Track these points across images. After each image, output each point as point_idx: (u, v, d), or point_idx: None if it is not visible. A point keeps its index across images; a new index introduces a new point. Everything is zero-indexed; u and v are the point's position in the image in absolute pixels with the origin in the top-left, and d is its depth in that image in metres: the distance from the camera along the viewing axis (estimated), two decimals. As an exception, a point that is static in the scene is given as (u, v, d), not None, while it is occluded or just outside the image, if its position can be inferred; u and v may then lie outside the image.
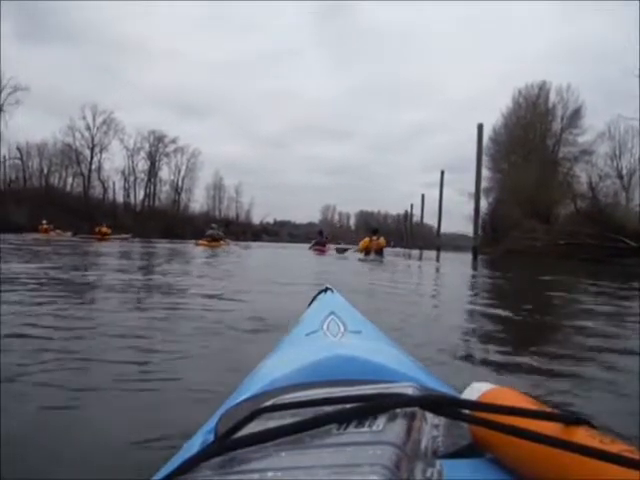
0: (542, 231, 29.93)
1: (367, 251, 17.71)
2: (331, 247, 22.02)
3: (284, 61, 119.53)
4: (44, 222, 29.59)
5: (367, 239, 18.16)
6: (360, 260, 15.34)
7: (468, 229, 51.92)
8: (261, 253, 19.12)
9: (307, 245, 25.13)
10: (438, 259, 22.19)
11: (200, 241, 21.18)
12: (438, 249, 35.35)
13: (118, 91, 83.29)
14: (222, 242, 21.73)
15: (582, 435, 0.40)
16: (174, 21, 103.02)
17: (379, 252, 17.57)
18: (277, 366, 0.82)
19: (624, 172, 33.58)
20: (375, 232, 18.35)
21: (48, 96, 61.03)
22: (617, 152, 33.95)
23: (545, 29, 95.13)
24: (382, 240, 18.00)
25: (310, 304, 1.53)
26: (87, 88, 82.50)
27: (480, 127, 24.02)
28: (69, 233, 28.82)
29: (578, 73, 74.77)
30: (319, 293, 1.58)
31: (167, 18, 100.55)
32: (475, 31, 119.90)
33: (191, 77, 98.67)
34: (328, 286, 1.62)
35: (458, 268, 14.42)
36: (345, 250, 18.46)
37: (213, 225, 23.38)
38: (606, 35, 69.69)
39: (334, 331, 1.00)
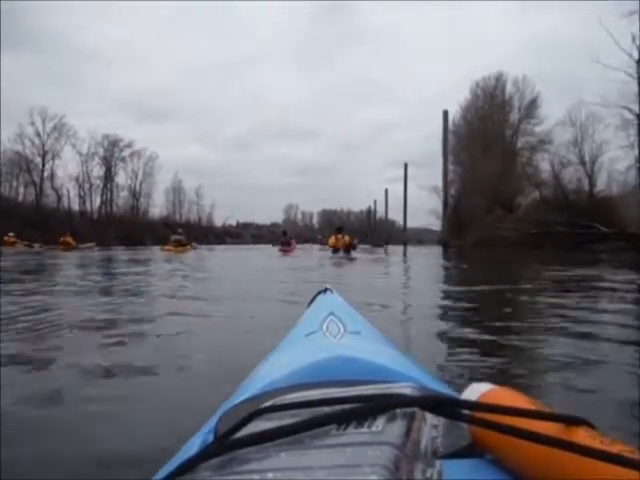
0: (511, 221, 29.87)
1: (335, 249, 17.87)
2: (296, 247, 22.60)
3: (248, 64, 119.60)
4: (11, 234, 28.02)
5: (333, 237, 18.35)
6: (330, 257, 15.69)
7: (431, 223, 52.37)
8: (229, 256, 18.94)
9: (271, 247, 25.84)
10: (405, 254, 22.43)
11: (166, 247, 21.16)
12: (405, 244, 35.11)
13: (73, 97, 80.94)
14: (188, 247, 21.90)
15: (582, 435, 0.40)
16: (135, 24, 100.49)
17: (347, 250, 17.71)
18: (277, 366, 0.81)
19: (587, 159, 33.58)
20: (340, 230, 18.55)
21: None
22: (579, 139, 33.93)
23: (506, 27, 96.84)
24: (347, 238, 18.17)
25: (309, 304, 1.51)
26: (40, 94, 79.55)
27: (445, 113, 23.87)
28: (37, 245, 27.60)
29: (537, 67, 75.78)
30: (318, 293, 1.56)
31: (128, 22, 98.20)
32: (438, 30, 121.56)
33: (150, 81, 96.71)
34: (327, 286, 1.60)
35: (433, 262, 14.12)
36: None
37: (179, 230, 23.50)
38: (561, 29, 71.30)
39: (333, 331, 0.99)
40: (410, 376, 0.70)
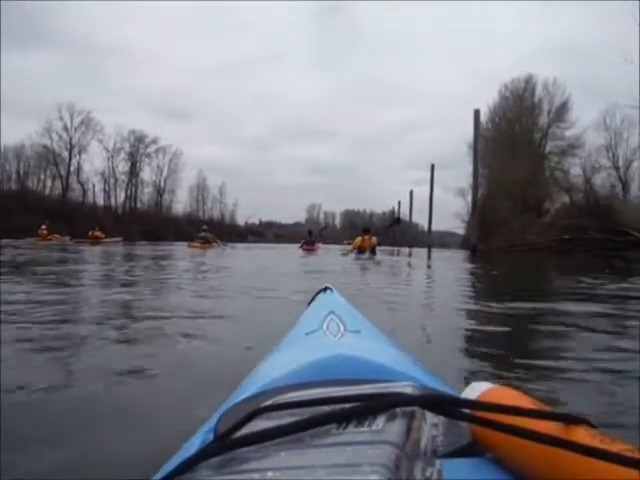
0: (539, 226, 29.10)
1: (360, 250, 17.83)
2: (320, 246, 22.33)
3: (267, 64, 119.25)
4: (43, 227, 28.36)
5: (359, 238, 18.37)
6: (355, 259, 15.60)
7: (454, 226, 51.58)
8: (256, 255, 18.80)
9: (294, 245, 25.46)
10: (430, 257, 22.03)
11: (193, 243, 21.61)
12: (429, 247, 34.47)
13: (100, 93, 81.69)
14: (214, 243, 22.32)
15: (582, 434, 0.40)
16: (158, 24, 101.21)
17: (372, 251, 17.74)
18: (277, 366, 0.81)
19: (620, 163, 32.59)
20: (367, 231, 18.68)
21: (27, 99, 59.03)
22: (613, 142, 32.98)
23: (529, 29, 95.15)
24: (374, 239, 18.25)
25: (309, 303, 1.51)
26: (68, 90, 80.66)
27: (477, 112, 23.21)
28: (67, 237, 28.14)
29: (562, 70, 74.37)
30: (318, 292, 1.55)
31: (151, 21, 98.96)
32: (461, 31, 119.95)
33: (174, 80, 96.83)
34: (327, 285, 1.59)
35: (459, 268, 13.46)
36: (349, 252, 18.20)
37: (205, 227, 23.86)
38: (588, 32, 69.63)
39: (334, 330, 0.99)
40: (410, 375, 0.70)
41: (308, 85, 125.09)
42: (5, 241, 20.69)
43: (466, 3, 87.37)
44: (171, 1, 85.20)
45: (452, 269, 12.11)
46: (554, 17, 77.87)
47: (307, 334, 1.03)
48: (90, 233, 27.48)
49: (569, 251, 22.67)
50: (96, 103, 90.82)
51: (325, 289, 1.59)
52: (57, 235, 27.87)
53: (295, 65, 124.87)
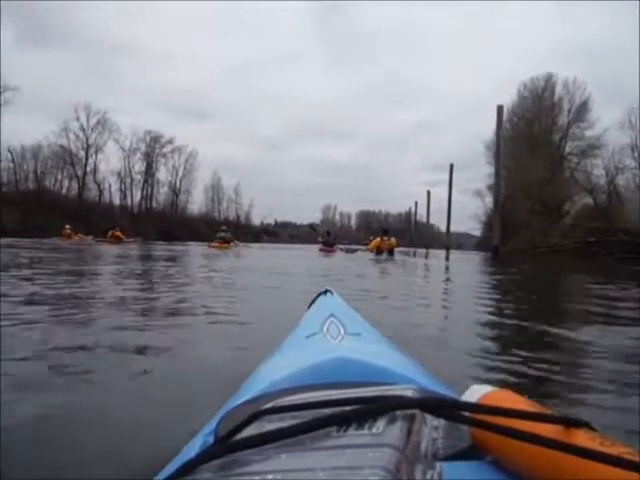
0: (560, 227, 28.32)
1: (379, 251, 18.02)
2: (339, 247, 22.29)
3: (282, 63, 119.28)
4: (67, 227, 29.03)
5: (378, 239, 18.60)
6: (372, 260, 15.39)
7: (471, 227, 50.83)
8: (278, 255, 18.59)
9: (310, 246, 25.67)
10: (448, 258, 21.54)
11: (212, 243, 22.44)
12: (447, 248, 33.77)
13: (115, 93, 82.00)
14: (232, 244, 23.09)
15: (582, 437, 0.40)
16: (173, 24, 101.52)
17: (390, 252, 17.90)
18: (277, 368, 0.81)
19: None
20: (386, 232, 18.84)
21: (45, 99, 59.29)
22: (638, 142, 31.80)
23: (545, 29, 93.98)
24: (393, 240, 18.40)
25: (310, 306, 1.49)
26: (85, 91, 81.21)
27: (500, 108, 22.64)
28: (90, 237, 28.58)
29: (579, 71, 73.17)
30: (319, 295, 1.54)
31: (165, 20, 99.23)
32: (477, 31, 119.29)
33: (189, 80, 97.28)
34: (328, 288, 1.59)
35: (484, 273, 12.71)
36: (355, 251, 18.54)
37: (223, 227, 24.72)
38: (605, 33, 68.56)
39: (334, 333, 0.99)
40: (411, 378, 0.69)
41: (323, 85, 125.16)
42: (27, 240, 21.11)
43: (482, 3, 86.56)
44: (187, 0, 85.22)
45: (472, 273, 11.39)
46: (570, 18, 76.90)
47: (307, 337, 1.02)
48: (110, 233, 27.88)
49: (594, 254, 21.95)
50: (111, 103, 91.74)
51: (325, 292, 1.56)
52: (81, 235, 28.41)
53: (310, 65, 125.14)
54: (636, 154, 31.56)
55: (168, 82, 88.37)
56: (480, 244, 48.88)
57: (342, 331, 1.02)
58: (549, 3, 73.04)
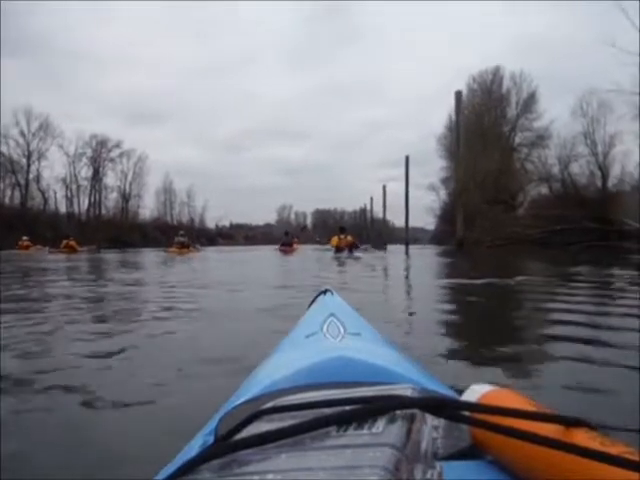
0: (523, 217, 28.08)
1: (338, 248, 18.09)
2: (298, 247, 22.67)
3: (238, 65, 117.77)
4: (25, 238, 28.42)
5: (336, 237, 18.67)
6: (333, 257, 15.70)
7: (426, 222, 50.66)
8: (234, 258, 18.79)
9: (267, 247, 27.27)
10: (408, 253, 21.94)
11: (170, 248, 22.09)
12: (407, 243, 33.27)
13: (64, 101, 78.94)
14: (191, 248, 22.94)
15: (582, 437, 0.40)
16: (126, 28, 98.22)
17: (350, 249, 18.03)
18: (277, 368, 0.81)
19: (599, 150, 31.55)
20: (343, 230, 19.06)
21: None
22: (590, 129, 31.92)
23: (492, 27, 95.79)
24: (350, 238, 18.59)
25: (309, 306, 1.49)
26: (30, 98, 76.94)
27: (459, 94, 22.24)
28: (47, 248, 27.53)
29: (528, 66, 74.40)
30: (318, 295, 1.53)
31: (116, 23, 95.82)
32: (428, 30, 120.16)
33: (140, 84, 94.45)
34: (328, 288, 1.57)
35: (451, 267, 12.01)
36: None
37: (181, 232, 24.58)
38: (550, 29, 70.10)
39: (334, 333, 0.98)
40: (410, 377, 0.70)
41: (278, 86, 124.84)
42: None
43: (432, 3, 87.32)
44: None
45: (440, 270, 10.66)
46: (516, 14, 78.39)
47: (307, 336, 1.01)
48: (65, 243, 26.74)
49: (561, 243, 21.60)
50: (57, 108, 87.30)
51: (325, 291, 1.53)
52: (38, 246, 27.69)
53: (265, 66, 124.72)
54: (589, 141, 31.71)
55: (120, 87, 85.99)
56: (435, 238, 48.91)
57: (342, 331, 1.00)
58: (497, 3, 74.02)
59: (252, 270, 10.30)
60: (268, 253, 20.25)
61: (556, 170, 32.79)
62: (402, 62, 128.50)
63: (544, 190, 33.67)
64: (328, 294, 1.52)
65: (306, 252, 20.33)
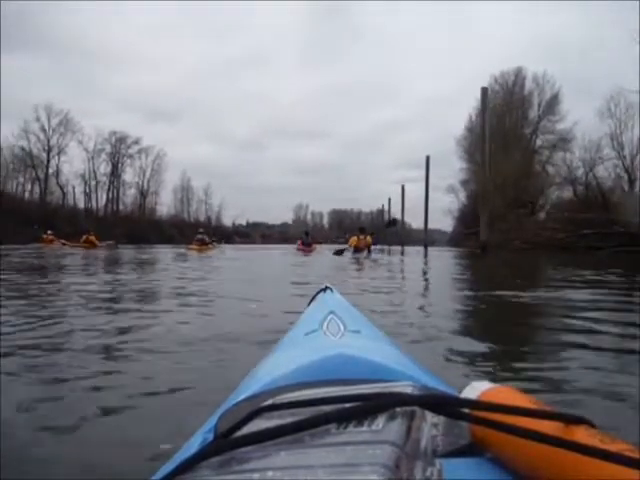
0: (545, 220, 27.30)
1: (356, 249, 17.80)
2: (317, 247, 22.29)
3: (257, 63, 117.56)
4: (49, 232, 28.85)
5: (355, 237, 18.43)
6: (351, 258, 15.53)
7: (442, 224, 49.81)
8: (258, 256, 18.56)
9: (285, 246, 26.97)
10: (427, 255, 20.79)
11: (191, 246, 22.28)
12: (426, 245, 32.61)
13: (84, 98, 79.16)
14: (210, 246, 23.11)
15: (582, 434, 0.40)
16: (143, 24, 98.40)
17: (369, 250, 17.89)
18: (276, 365, 0.81)
19: (626, 152, 30.63)
20: (362, 231, 18.75)
21: (7, 104, 55.57)
22: (617, 131, 30.99)
23: (515, 27, 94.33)
24: (369, 238, 18.40)
25: (309, 303, 1.49)
26: (52, 95, 77.50)
27: (484, 90, 21.60)
28: (69, 243, 27.76)
29: (551, 67, 73.15)
30: (318, 292, 1.53)
31: (136, 21, 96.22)
32: (448, 31, 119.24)
33: (159, 82, 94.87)
34: (328, 285, 1.55)
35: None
36: (342, 251, 17.79)
37: (201, 230, 24.75)
38: (573, 31, 68.81)
39: (334, 330, 0.98)
40: (410, 375, 0.69)
41: (296, 86, 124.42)
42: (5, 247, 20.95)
43: (454, 3, 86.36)
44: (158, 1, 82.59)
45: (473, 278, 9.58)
46: (538, 16, 77.09)
47: (307, 334, 1.00)
48: (85, 237, 27.08)
49: (582, 247, 20.85)
50: (77, 105, 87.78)
51: (325, 289, 1.52)
52: (62, 240, 27.96)
53: (283, 65, 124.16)
54: (615, 143, 30.80)
55: (137, 84, 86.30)
56: (452, 240, 48.18)
57: (342, 328, 0.99)
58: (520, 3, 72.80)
59: (284, 272, 9.50)
60: (287, 253, 20.02)
61: (580, 173, 32.03)
62: (421, 63, 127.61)
63: (567, 193, 32.90)
64: (328, 291, 1.50)
65: (324, 252, 19.85)
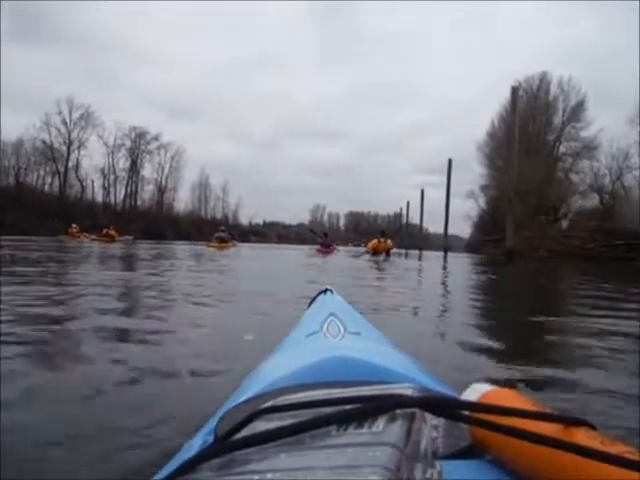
0: (569, 229, 26.40)
1: (375, 252, 17.75)
2: (337, 249, 22.12)
3: (274, 63, 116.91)
4: (74, 226, 29.90)
5: (375, 240, 18.31)
6: (368, 260, 15.45)
7: (460, 230, 48.97)
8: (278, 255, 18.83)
9: (302, 247, 26.74)
10: (446, 260, 20.62)
11: (210, 243, 22.60)
12: (445, 250, 31.88)
13: (106, 93, 79.67)
14: (230, 243, 23.45)
15: (582, 436, 0.40)
16: (165, 23, 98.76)
17: (387, 253, 17.78)
18: (277, 367, 0.81)
19: None
20: (383, 234, 18.61)
21: (31, 97, 55.89)
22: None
23: (538, 31, 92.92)
24: (389, 242, 18.22)
25: (310, 305, 1.49)
26: (75, 89, 77.91)
27: (515, 89, 20.90)
28: (94, 236, 28.71)
29: (575, 74, 71.96)
30: (319, 294, 1.52)
31: (158, 20, 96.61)
32: (471, 33, 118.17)
33: (181, 80, 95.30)
34: (328, 287, 1.55)
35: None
36: (360, 255, 17.67)
37: (222, 227, 25.23)
38: (600, 36, 67.36)
39: (334, 332, 0.98)
40: (410, 377, 0.69)
41: (316, 86, 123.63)
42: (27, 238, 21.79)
43: (477, 3, 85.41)
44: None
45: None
46: (564, 20, 75.86)
47: (307, 336, 1.01)
48: (105, 231, 27.76)
49: (620, 259, 19.97)
50: (102, 102, 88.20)
51: (325, 291, 1.52)
52: (85, 234, 28.91)
53: (303, 65, 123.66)
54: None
55: (159, 81, 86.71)
56: (469, 246, 47.29)
57: (342, 330, 0.99)
58: (543, 4, 71.35)
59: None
60: (305, 254, 19.60)
61: (607, 181, 31.02)
62: (441, 65, 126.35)
63: (591, 202, 31.95)
64: (328, 293, 1.50)
65: (342, 255, 19.53)
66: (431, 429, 0.45)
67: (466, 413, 0.44)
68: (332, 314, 1.11)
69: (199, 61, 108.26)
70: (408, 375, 0.70)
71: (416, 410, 0.42)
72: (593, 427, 0.41)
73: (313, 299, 1.52)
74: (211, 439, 0.56)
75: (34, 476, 1.19)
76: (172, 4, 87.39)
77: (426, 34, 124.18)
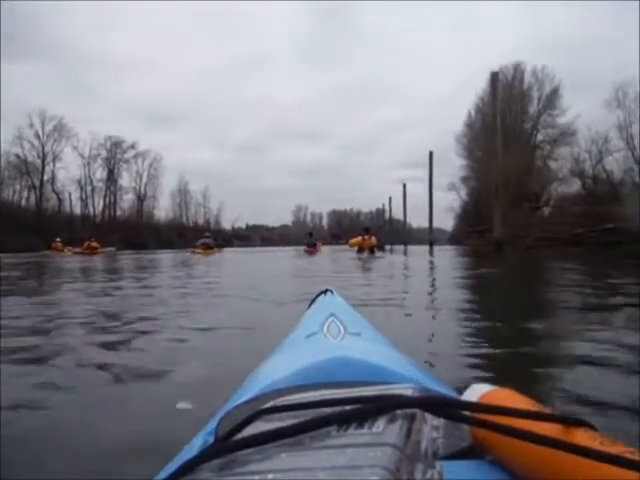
0: (552, 216, 26.17)
1: (360, 249, 17.64)
2: (322, 248, 22.30)
3: (254, 67, 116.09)
4: (58, 240, 29.55)
5: (359, 238, 18.06)
6: (355, 258, 15.32)
7: (443, 223, 48.75)
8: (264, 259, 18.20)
9: (287, 248, 27.49)
10: (432, 254, 20.35)
11: (196, 250, 22.51)
12: (431, 244, 31.66)
13: (83, 104, 78.48)
14: (215, 249, 23.35)
15: (582, 436, 0.39)
16: (143, 31, 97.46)
17: (371, 250, 17.54)
18: (277, 368, 0.80)
19: (636, 143, 29.24)
20: (367, 231, 18.24)
21: (7, 111, 54.23)
22: (627, 121, 29.74)
23: (514, 24, 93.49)
24: (374, 239, 17.95)
25: (310, 306, 1.46)
26: (48, 101, 76.38)
27: (495, 75, 20.65)
28: (78, 249, 28.40)
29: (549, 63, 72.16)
30: (319, 295, 1.50)
31: (135, 28, 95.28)
32: (446, 30, 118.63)
33: (157, 87, 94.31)
34: (328, 287, 1.53)
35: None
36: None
37: (206, 234, 25.11)
38: (572, 26, 67.81)
39: (334, 333, 0.96)
40: (411, 377, 0.69)
41: (292, 88, 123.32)
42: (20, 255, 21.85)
43: (452, 3, 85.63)
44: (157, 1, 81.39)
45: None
46: (537, 12, 76.38)
47: (307, 336, 1.00)
48: (86, 244, 27.42)
49: (609, 244, 19.72)
50: (76, 113, 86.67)
51: (325, 291, 1.51)
52: (69, 247, 28.63)
53: (282, 68, 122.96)
54: (625, 134, 29.62)
55: (136, 90, 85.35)
56: (452, 238, 47.14)
57: (342, 331, 0.98)
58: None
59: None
60: (291, 255, 19.32)
61: (587, 166, 30.91)
62: (416, 63, 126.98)
63: (572, 187, 31.86)
64: (328, 294, 1.48)
65: (327, 253, 19.74)
66: (431, 429, 0.45)
67: (466, 413, 0.44)
68: (332, 315, 1.09)
69: (179, 67, 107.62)
70: (408, 376, 0.69)
71: (416, 410, 0.42)
72: (593, 427, 0.40)
73: (313, 300, 1.50)
74: (212, 440, 0.56)
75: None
76: (150, 9, 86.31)
77: (403, 32, 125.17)
